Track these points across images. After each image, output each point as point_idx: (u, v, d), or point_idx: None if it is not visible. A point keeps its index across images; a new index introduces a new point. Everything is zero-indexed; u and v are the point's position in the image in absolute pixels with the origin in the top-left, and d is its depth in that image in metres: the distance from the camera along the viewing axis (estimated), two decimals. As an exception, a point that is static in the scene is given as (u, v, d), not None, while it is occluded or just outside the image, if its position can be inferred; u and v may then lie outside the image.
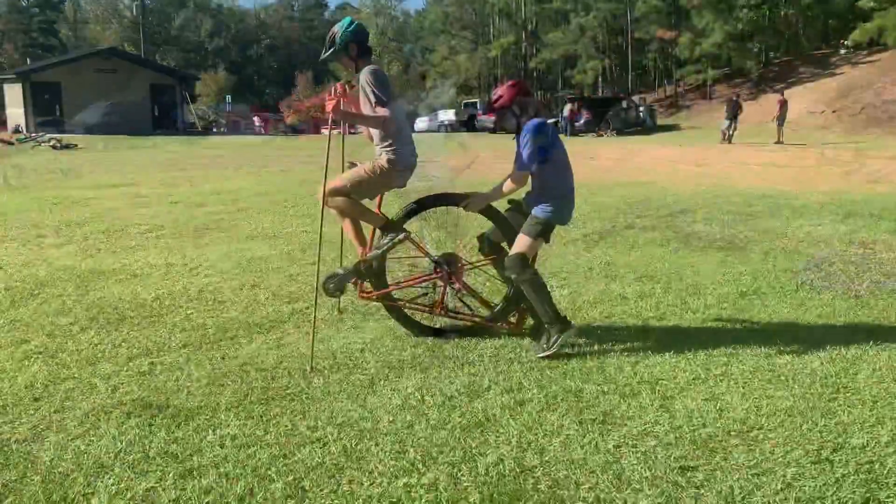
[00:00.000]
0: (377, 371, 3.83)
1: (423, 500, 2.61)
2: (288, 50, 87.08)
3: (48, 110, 34.56)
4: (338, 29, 4.15)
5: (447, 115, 42.10)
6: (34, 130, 30.32)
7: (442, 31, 58.59)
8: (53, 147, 21.50)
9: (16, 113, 34.92)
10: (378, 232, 4.32)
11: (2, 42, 54.47)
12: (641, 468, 2.83)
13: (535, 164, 4.05)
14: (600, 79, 47.85)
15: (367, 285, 4.38)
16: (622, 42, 46.50)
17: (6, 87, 36.79)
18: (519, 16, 52.22)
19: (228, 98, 46.70)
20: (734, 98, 25.94)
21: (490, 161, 17.40)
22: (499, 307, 4.42)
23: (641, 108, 34.64)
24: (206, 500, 2.59)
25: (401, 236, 4.21)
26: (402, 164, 4.15)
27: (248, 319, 4.68)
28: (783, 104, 24.46)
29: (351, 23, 4.19)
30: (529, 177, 4.13)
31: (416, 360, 3.98)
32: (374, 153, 4.23)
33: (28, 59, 47.92)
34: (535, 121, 4.07)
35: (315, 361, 3.93)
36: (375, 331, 4.45)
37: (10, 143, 23.97)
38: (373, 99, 3.99)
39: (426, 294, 4.53)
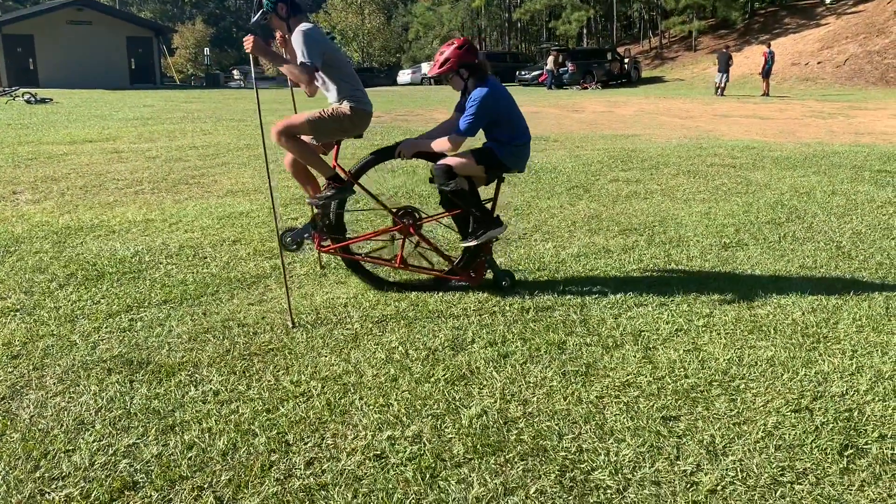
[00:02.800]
0: (361, 326, 3.81)
1: (407, 453, 2.61)
2: None
3: (21, 63, 33.71)
4: None
5: (429, 68, 41.59)
6: (9, 84, 29.59)
7: (423, -20, 57.38)
8: (28, 101, 20.99)
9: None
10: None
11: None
12: (624, 418, 2.85)
13: (474, 131, 4.02)
14: (584, 30, 47.23)
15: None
16: (607, -8, 45.80)
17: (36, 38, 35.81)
18: (502, -35, 51.18)
19: (207, 51, 45.68)
20: (724, 50, 25.76)
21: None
22: (458, 261, 4.42)
23: (626, 61, 34.32)
24: (189, 456, 2.58)
25: (346, 193, 4.21)
26: (362, 109, 4.10)
27: (228, 275, 4.63)
28: (769, 56, 24.33)
29: None
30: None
31: (399, 315, 3.96)
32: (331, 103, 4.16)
33: (0, 11, 46.49)
34: (483, 90, 4.00)
35: (298, 317, 3.90)
36: (359, 286, 4.42)
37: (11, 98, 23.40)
38: (300, 57, 3.91)
39: (384, 247, 4.48)
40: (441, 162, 4.13)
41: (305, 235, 4.32)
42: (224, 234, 5.64)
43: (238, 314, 3.95)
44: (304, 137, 4.21)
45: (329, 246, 4.36)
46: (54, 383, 3.12)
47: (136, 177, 8.09)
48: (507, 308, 4.06)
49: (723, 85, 24.89)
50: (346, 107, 4.08)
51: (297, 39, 3.90)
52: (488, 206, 4.35)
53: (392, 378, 3.21)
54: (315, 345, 3.56)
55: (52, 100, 21.72)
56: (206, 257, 5.01)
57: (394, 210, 4.38)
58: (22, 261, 4.79)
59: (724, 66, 24.74)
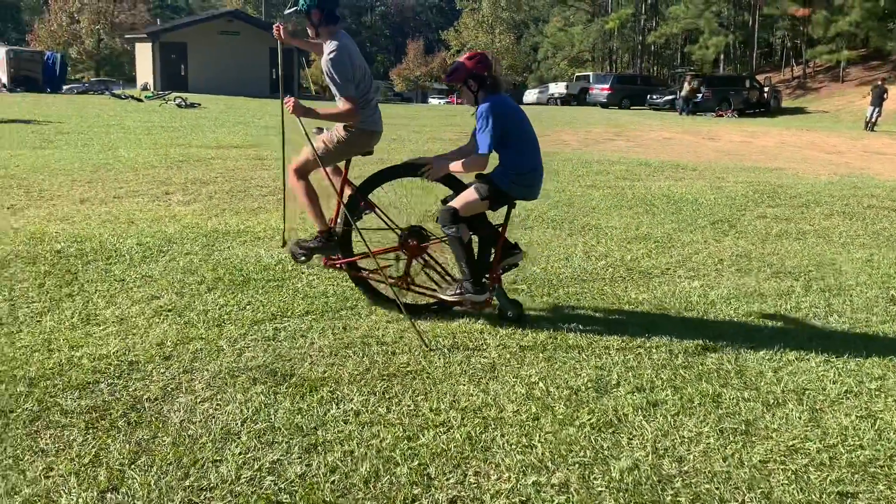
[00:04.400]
0: (498, 355, 3.69)
1: (555, 502, 2.46)
2: (401, 17, 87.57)
3: (173, 69, 36.14)
4: None
5: (558, 88, 41.27)
6: (161, 88, 31.76)
7: (558, 1, 57.19)
8: (178, 105, 22.41)
9: (145, 71, 36.76)
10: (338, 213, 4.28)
11: (135, 3, 57.21)
12: (794, 490, 2.58)
13: (490, 147, 3.88)
14: (722, 56, 45.53)
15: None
16: (748, 18, 43.96)
17: (137, 46, 38.71)
18: (639, -13, 50.24)
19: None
20: (880, 83, 24.13)
21: (603, 135, 16.88)
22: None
23: (766, 89, 32.75)
24: (332, 479, 2.53)
25: (327, 249, 4.25)
26: (360, 129, 4.09)
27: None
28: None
29: None
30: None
31: (538, 346, 3.81)
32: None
33: (158, 21, 50.09)
34: (488, 103, 3.89)
35: (435, 340, 3.83)
36: (487, 311, 4.31)
37: (139, 100, 25.19)
38: (335, 91, 3.94)
39: (390, 266, 4.41)
40: (449, 203, 4.03)
41: (313, 249, 4.34)
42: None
43: (377, 331, 3.92)
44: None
45: (336, 260, 4.33)
46: (203, 388, 3.18)
47: (278, 184, 8.36)
48: (654, 349, 3.83)
49: (874, 119, 23.24)
50: (341, 130, 4.11)
51: (326, 68, 3.93)
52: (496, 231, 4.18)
53: (534, 416, 3.06)
54: (453, 371, 3.47)
55: (199, 105, 23.08)
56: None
57: (401, 229, 4.29)
58: (174, 261, 4.99)
59: (878, 99, 23.11)
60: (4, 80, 29.67)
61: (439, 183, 4.20)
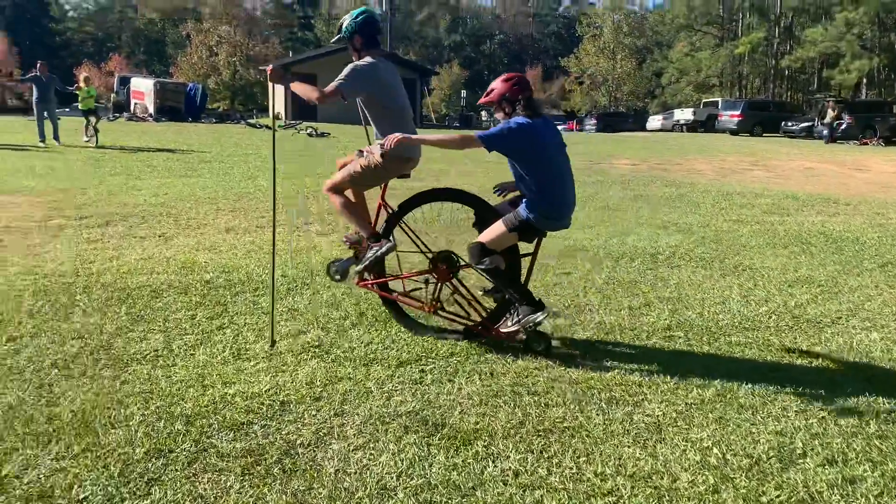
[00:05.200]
0: (663, 413, 3.38)
1: None
2: (519, 45, 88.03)
3: (302, 99, 37.69)
4: (347, 18, 4.21)
5: (684, 115, 40.00)
6: (293, 118, 33.16)
7: (684, 26, 55.69)
8: (309, 135, 23.25)
9: (277, 101, 38.63)
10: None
11: (269, 36, 60.52)
12: None
13: (492, 145, 3.81)
14: (864, 81, 42.75)
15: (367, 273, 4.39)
16: (894, 39, 41.10)
17: (272, 76, 40.69)
18: (773, 10, 48.11)
19: (463, 93, 47.97)
20: None
21: (738, 165, 16.04)
22: (489, 314, 4.22)
23: (918, 115, 30.34)
24: (499, 552, 2.33)
25: (383, 249, 4.23)
26: (396, 155, 4.09)
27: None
28: None
29: (360, 14, 4.20)
30: (475, 147, 3.84)
31: (706, 405, 3.48)
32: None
33: (290, 53, 52.67)
34: (521, 119, 3.86)
35: (590, 390, 3.58)
36: (655, 361, 4.01)
37: (273, 130, 26.35)
38: (336, 80, 4.01)
39: (421, 290, 4.37)
40: (478, 237, 4.04)
41: (350, 267, 4.45)
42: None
43: (526, 379, 3.72)
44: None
45: (368, 281, 4.38)
46: (354, 434, 3.07)
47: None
48: (839, 413, 3.41)
49: None
50: (377, 155, 4.14)
51: (346, 68, 4.03)
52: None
53: (713, 489, 2.75)
54: (614, 430, 3.21)
55: (329, 134, 23.87)
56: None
57: (432, 253, 4.29)
58: (317, 294, 5.00)
59: None
60: (151, 109, 31.93)
61: (462, 204, 4.23)
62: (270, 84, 4.11)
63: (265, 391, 3.44)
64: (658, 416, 3.36)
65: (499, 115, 4.03)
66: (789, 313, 4.99)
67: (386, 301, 4.43)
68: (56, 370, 3.57)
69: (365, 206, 4.46)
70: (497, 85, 4.00)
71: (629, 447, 3.06)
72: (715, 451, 3.04)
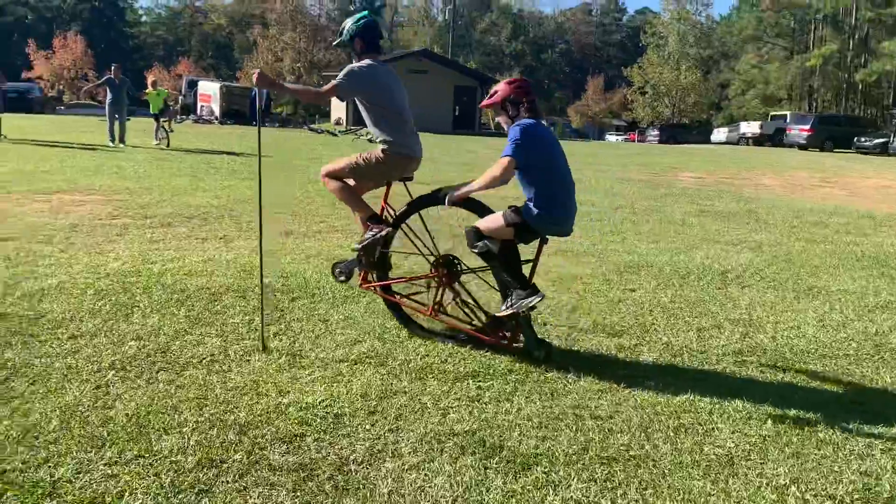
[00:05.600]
0: (734, 444, 3.18)
1: None
2: (581, 54, 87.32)
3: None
4: (349, 21, 4.29)
5: (750, 128, 38.96)
6: (352, 123, 33.50)
7: (753, 37, 54.33)
8: (370, 140, 23.42)
9: (338, 106, 39.01)
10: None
11: (332, 42, 61.51)
12: None
13: (519, 152, 3.84)
14: (945, 95, 40.94)
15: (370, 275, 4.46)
16: (980, 52, 39.30)
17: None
18: (847, 22, 46.52)
19: (523, 101, 47.71)
20: None
21: (808, 181, 15.46)
22: (490, 319, 4.19)
23: None
24: (560, 591, 2.18)
25: (382, 232, 4.26)
26: (396, 153, 4.20)
27: (572, 347, 4.29)
28: None
29: (361, 18, 4.29)
30: (515, 171, 3.89)
31: (781, 438, 3.26)
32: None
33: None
34: (525, 122, 3.91)
35: (656, 416, 3.40)
36: (725, 387, 3.79)
37: (334, 135, 26.69)
38: (334, 80, 4.11)
39: (423, 293, 4.46)
40: (472, 225, 4.07)
41: (355, 269, 4.47)
42: (560, 298, 5.35)
43: (589, 402, 3.55)
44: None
45: (371, 283, 4.45)
46: (409, 453, 2.96)
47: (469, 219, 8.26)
48: (931, 456, 3.14)
49: None
50: (378, 151, 4.22)
51: (344, 69, 4.12)
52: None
53: (793, 532, 2.54)
54: (683, 461, 3.02)
55: (388, 139, 23.97)
56: (547, 323, 4.74)
57: (434, 256, 4.33)
58: (375, 303, 4.91)
59: None
60: (217, 112, 32.70)
61: (465, 209, 4.25)
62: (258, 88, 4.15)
63: (319, 402, 3.36)
64: (730, 447, 3.16)
65: (501, 119, 4.07)
66: (870, 341, 4.70)
67: (388, 304, 4.49)
68: (113, 371, 3.56)
69: (356, 192, 4.45)
70: (500, 87, 4.04)
71: (699, 480, 2.87)
72: (793, 489, 2.83)
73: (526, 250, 4.16)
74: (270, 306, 4.70)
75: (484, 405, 3.46)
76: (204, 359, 3.81)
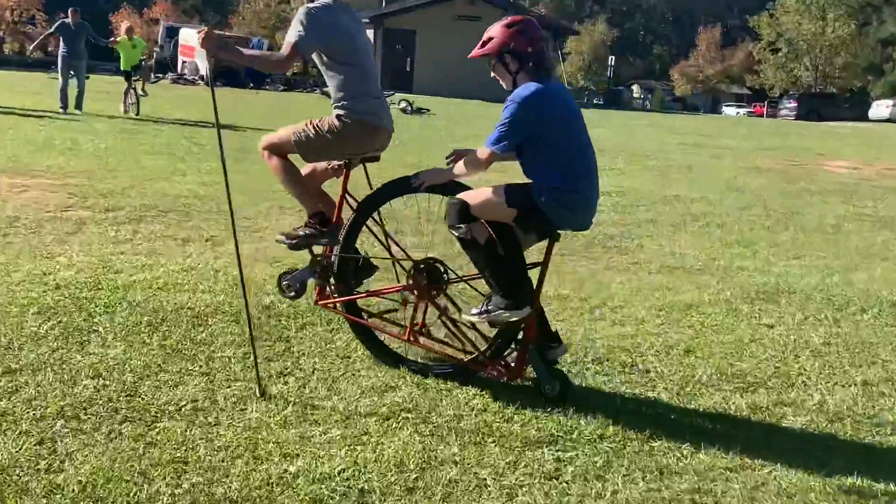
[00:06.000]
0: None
1: None
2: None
3: (398, 63, 38.29)
4: None
5: (925, 101, 38.26)
6: (383, 87, 33.73)
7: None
8: (403, 111, 23.52)
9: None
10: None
11: (356, -20, 62.03)
12: None
13: (507, 147, 3.95)
14: None
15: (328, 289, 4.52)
16: None
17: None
18: None
19: (611, 60, 47.47)
20: None
21: None
22: (488, 345, 4.29)
23: None
24: None
25: (324, 239, 4.39)
26: (356, 119, 4.26)
27: (685, 406, 4.18)
28: None
29: None
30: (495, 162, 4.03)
31: None
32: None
33: (383, 2, 53.61)
34: (528, 88, 3.90)
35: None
36: (891, 467, 3.64)
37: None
38: (288, 37, 4.17)
39: (395, 311, 4.55)
40: (458, 196, 4.09)
41: (308, 280, 4.54)
42: (668, 335, 5.25)
43: (711, 484, 3.44)
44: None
45: (331, 299, 4.50)
46: (463, 551, 2.88)
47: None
48: None
49: None
50: (332, 117, 4.28)
51: (294, 19, 4.17)
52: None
53: None
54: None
55: (429, 111, 24.05)
56: (648, 371, 4.63)
57: (410, 262, 4.38)
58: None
59: None
60: (203, 70, 33.14)
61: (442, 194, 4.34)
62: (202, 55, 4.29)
63: (338, 472, 3.31)
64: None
65: (497, 75, 4.09)
66: None
67: (355, 328, 4.54)
68: (63, 421, 3.55)
69: (318, 187, 4.62)
70: (496, 32, 4.00)
71: None
72: None
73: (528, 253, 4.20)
74: (268, 335, 4.67)
75: (566, 485, 3.38)
76: (183, 406, 3.79)
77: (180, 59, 34.68)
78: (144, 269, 5.82)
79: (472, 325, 4.37)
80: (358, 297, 4.56)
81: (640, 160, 15.05)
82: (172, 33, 37.64)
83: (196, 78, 32.89)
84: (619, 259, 7.23)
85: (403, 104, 24.19)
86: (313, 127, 4.34)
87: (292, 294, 4.60)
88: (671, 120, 31.24)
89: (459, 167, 4.15)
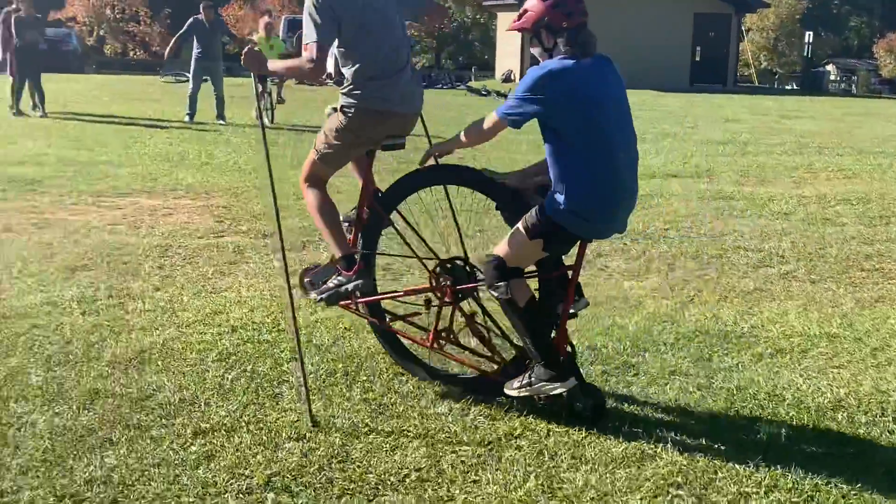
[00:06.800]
0: None
1: None
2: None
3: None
4: None
5: None
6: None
7: None
8: (478, 92, 23.44)
9: (508, 54, 39.12)
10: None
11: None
12: None
13: (516, 117, 4.08)
14: None
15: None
16: None
17: (500, 17, 41.58)
18: None
19: (808, 36, 45.80)
20: None
21: None
22: (513, 357, 4.50)
23: None
24: None
25: (351, 284, 4.48)
26: (363, 108, 4.42)
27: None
28: None
29: None
30: (500, 130, 4.25)
31: None
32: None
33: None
34: (552, 63, 4.07)
35: None
36: None
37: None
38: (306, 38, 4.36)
39: (419, 314, 4.75)
40: (492, 250, 4.31)
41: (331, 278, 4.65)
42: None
43: None
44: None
45: (352, 300, 4.65)
46: None
47: (769, 245, 7.89)
48: None
49: None
50: (339, 112, 4.50)
51: (304, 12, 4.36)
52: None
53: None
54: None
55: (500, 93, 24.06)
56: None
57: (433, 263, 4.58)
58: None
59: None
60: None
61: (474, 190, 4.59)
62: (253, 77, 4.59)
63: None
64: None
65: (535, 51, 4.23)
66: None
67: (379, 332, 4.78)
68: (273, 495, 3.51)
69: (338, 218, 4.81)
70: (532, 5, 4.13)
71: None
72: None
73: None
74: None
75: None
76: (406, 476, 3.71)
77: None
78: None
79: (502, 333, 4.67)
80: (380, 299, 4.78)
81: (868, 158, 14.38)
82: (296, 27, 38.26)
83: (324, 77, 33.44)
84: (889, 287, 6.83)
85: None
86: (324, 133, 4.56)
87: (314, 295, 4.70)
88: (885, 106, 29.92)
89: (463, 134, 4.38)
